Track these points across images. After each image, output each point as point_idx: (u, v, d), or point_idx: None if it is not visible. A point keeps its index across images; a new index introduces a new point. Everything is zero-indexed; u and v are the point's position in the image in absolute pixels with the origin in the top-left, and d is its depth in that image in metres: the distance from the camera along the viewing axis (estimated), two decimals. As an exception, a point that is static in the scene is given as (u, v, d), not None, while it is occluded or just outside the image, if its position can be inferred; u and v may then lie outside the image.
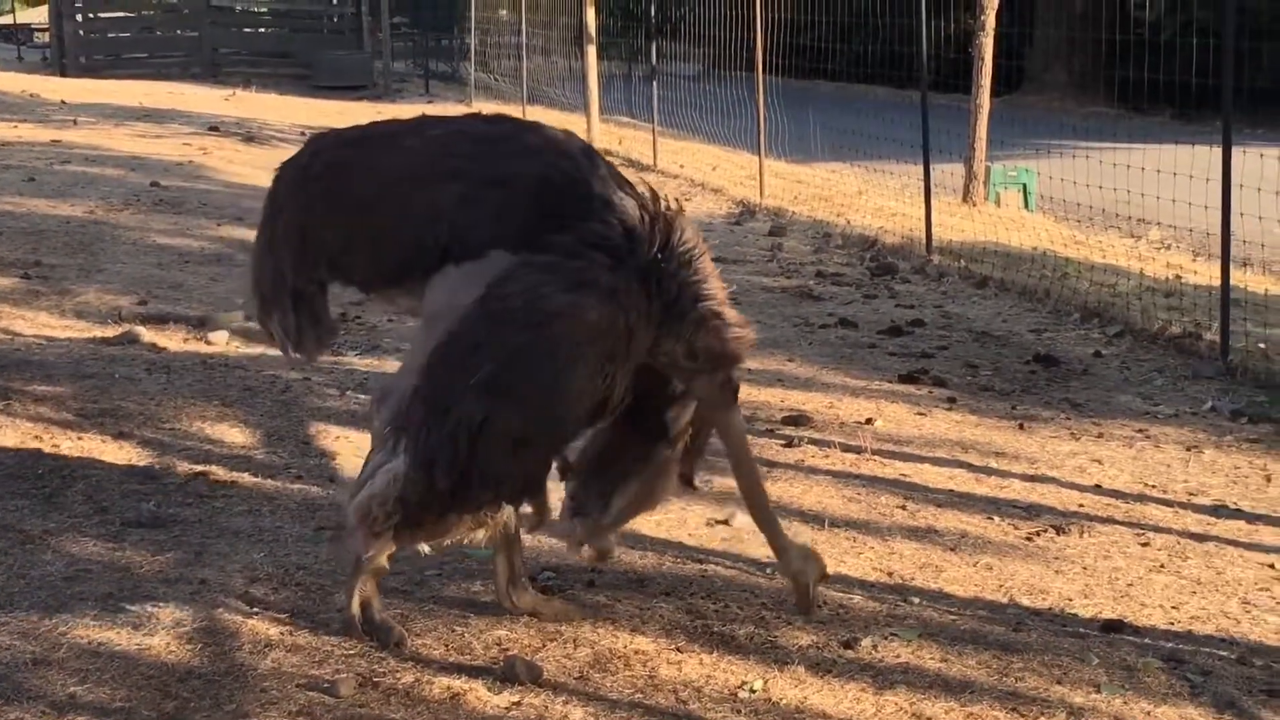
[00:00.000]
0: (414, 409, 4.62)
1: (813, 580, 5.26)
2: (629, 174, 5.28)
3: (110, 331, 8.99)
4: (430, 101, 29.18)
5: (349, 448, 6.96)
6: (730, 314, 5.03)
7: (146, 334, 8.89)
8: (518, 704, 4.55)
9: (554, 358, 4.61)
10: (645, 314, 4.78)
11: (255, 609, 5.15)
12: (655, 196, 4.93)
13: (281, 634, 4.96)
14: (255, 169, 16.86)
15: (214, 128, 20.79)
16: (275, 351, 8.60)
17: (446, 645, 4.94)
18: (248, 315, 5.41)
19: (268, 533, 5.92)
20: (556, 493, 5.11)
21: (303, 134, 21.12)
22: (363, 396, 7.80)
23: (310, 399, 7.82)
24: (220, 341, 8.88)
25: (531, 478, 4.76)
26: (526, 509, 4.90)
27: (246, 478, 6.55)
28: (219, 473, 6.57)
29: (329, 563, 5.57)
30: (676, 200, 5.01)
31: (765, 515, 5.29)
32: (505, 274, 4.67)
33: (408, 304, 5.09)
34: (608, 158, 5.24)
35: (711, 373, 5.04)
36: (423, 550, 4.97)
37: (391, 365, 7.86)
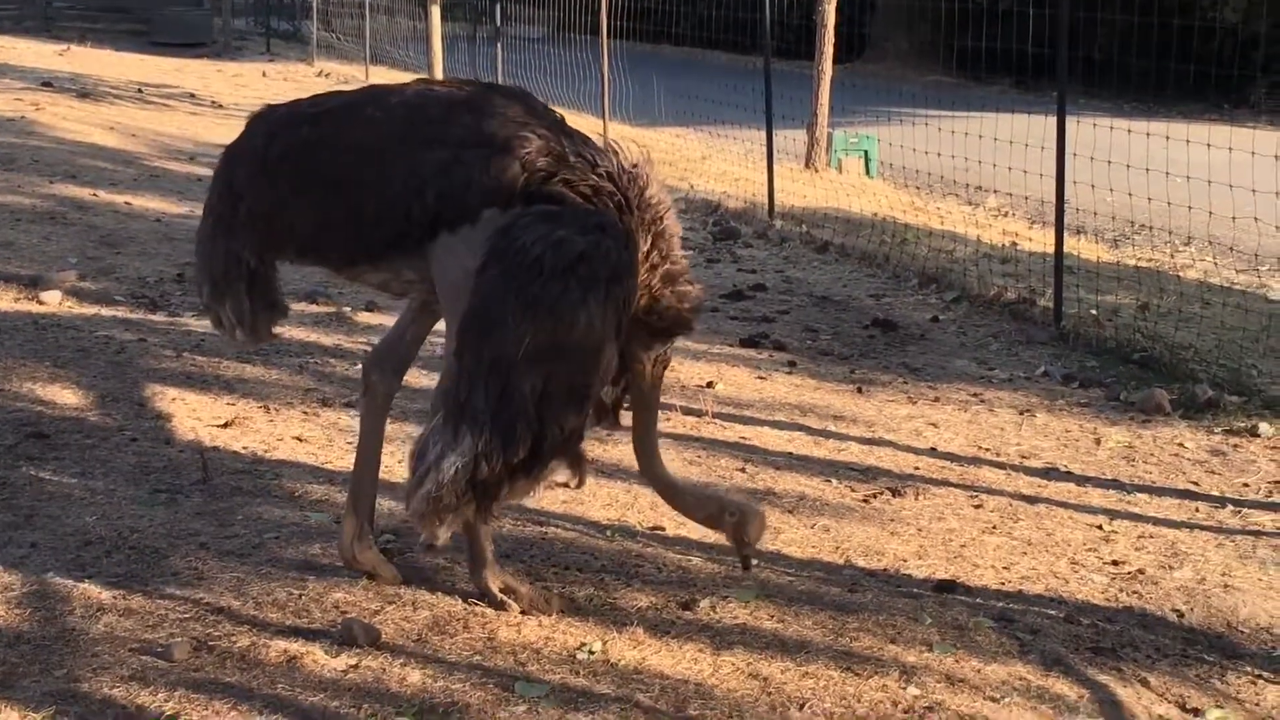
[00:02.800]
0: (474, 395, 4.51)
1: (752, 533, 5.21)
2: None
3: (-63, 290, 8.77)
4: (271, 60, 28.79)
5: (184, 409, 6.86)
6: (695, 283, 5.02)
7: (-25, 293, 8.69)
8: (355, 666, 4.52)
9: (588, 300, 4.53)
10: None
11: (87, 573, 5.06)
12: (619, 150, 4.91)
13: (114, 598, 4.88)
14: (89, 126, 16.54)
15: (47, 83, 20.32)
16: (109, 311, 8.53)
17: (284, 608, 4.89)
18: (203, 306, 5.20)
19: (100, 495, 5.81)
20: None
21: (139, 91, 20.77)
22: (199, 358, 7.69)
23: (145, 360, 7.68)
24: (53, 301, 8.69)
25: (582, 426, 4.71)
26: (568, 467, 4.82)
27: (79, 440, 6.42)
28: (50, 435, 6.43)
29: (164, 526, 5.50)
30: (644, 152, 4.97)
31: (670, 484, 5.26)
32: (509, 229, 4.58)
33: (379, 280, 4.96)
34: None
35: (659, 332, 4.99)
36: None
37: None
